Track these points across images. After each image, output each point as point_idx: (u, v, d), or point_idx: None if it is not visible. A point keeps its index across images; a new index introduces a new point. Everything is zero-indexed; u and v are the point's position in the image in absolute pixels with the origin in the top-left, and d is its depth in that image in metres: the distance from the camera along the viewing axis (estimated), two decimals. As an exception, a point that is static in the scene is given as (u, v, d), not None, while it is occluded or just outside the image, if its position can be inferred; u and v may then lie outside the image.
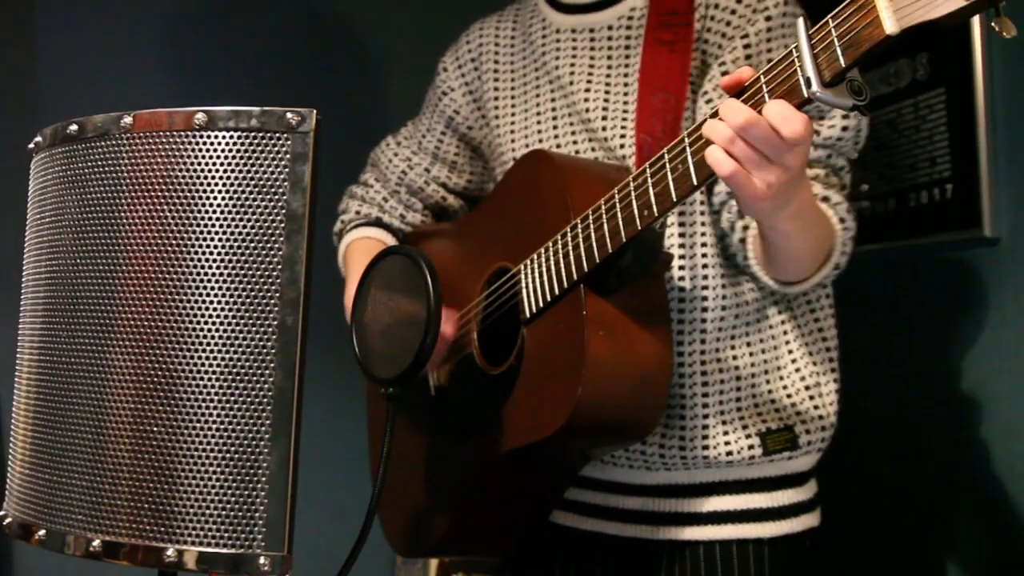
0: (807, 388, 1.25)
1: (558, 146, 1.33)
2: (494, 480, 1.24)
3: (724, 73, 1.22)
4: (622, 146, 1.26)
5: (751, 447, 1.21)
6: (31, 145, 0.94)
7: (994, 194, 1.42)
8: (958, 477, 1.52)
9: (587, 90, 1.31)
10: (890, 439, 1.64)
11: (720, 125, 0.91)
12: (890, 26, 0.79)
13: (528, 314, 1.19)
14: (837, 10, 0.84)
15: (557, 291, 1.14)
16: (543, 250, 1.17)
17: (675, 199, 1.00)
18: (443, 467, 1.33)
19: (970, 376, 1.49)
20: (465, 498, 1.27)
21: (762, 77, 0.90)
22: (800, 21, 0.86)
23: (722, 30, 1.24)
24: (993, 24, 0.78)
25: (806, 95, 0.86)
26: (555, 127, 1.34)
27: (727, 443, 1.21)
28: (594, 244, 1.09)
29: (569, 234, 1.13)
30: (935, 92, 1.52)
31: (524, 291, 1.19)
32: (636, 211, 1.04)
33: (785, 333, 1.26)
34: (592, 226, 1.10)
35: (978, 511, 1.47)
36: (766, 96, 0.89)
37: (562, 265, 1.13)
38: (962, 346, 1.51)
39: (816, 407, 1.25)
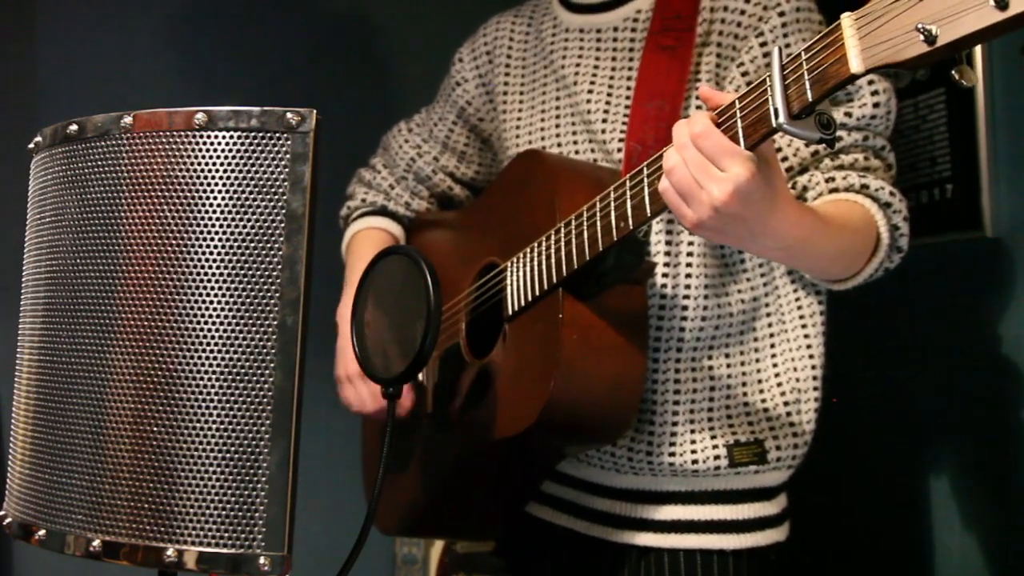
0: (786, 404, 1.24)
1: (559, 145, 1.34)
2: (473, 468, 1.28)
3: (743, 73, 1.22)
4: (619, 150, 1.26)
5: (717, 457, 1.21)
6: (31, 145, 0.94)
7: (994, 194, 1.42)
8: (958, 478, 1.52)
9: (590, 91, 1.31)
10: (890, 439, 1.64)
11: (668, 151, 0.94)
12: (856, 65, 0.81)
13: (510, 311, 1.21)
14: (810, 43, 0.85)
15: (538, 292, 1.17)
16: (528, 250, 1.19)
17: (649, 214, 1.01)
18: (427, 452, 1.36)
19: (970, 376, 1.49)
20: (446, 483, 1.30)
21: (737, 103, 0.91)
22: (776, 50, 0.87)
23: (734, 31, 1.23)
24: (953, 72, 0.79)
25: (774, 125, 0.86)
26: (557, 125, 1.35)
27: (693, 451, 1.21)
28: (574, 250, 1.11)
29: (553, 237, 1.15)
30: (935, 92, 1.52)
31: (508, 289, 1.22)
32: (613, 222, 1.06)
33: (772, 347, 1.26)
34: (574, 231, 1.12)
35: (979, 512, 1.47)
36: (739, 122, 0.90)
37: (543, 267, 1.16)
38: (962, 346, 1.51)
39: (792, 423, 1.24)
